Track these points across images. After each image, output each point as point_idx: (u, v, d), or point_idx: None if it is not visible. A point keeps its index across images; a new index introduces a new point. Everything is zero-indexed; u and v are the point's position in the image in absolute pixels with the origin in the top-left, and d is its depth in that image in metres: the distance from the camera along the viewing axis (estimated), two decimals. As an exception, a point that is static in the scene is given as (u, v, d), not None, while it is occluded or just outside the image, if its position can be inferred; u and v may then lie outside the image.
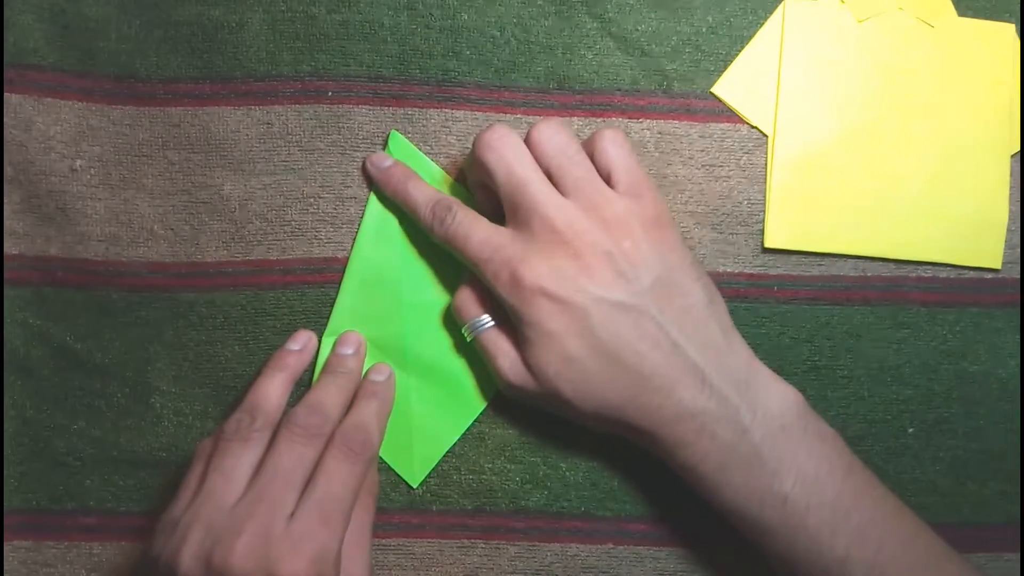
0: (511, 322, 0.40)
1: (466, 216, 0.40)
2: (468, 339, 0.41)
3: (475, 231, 0.39)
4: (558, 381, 0.38)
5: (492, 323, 0.40)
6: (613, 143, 0.40)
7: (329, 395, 0.39)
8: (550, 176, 0.39)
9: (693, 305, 0.38)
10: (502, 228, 0.39)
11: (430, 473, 0.43)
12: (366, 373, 0.42)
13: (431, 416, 0.43)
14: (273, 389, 0.39)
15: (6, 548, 0.42)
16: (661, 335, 0.38)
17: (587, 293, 0.37)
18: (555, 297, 0.37)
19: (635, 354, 0.37)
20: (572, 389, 0.38)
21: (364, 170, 0.43)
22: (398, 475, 0.43)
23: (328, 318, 0.43)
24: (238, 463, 0.36)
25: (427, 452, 0.43)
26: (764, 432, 0.37)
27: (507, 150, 0.39)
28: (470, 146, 0.43)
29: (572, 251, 0.38)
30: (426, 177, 0.43)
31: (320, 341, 0.42)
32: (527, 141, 0.40)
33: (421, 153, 0.43)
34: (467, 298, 0.41)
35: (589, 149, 0.40)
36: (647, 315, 0.37)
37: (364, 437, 0.38)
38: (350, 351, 0.42)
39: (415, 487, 0.43)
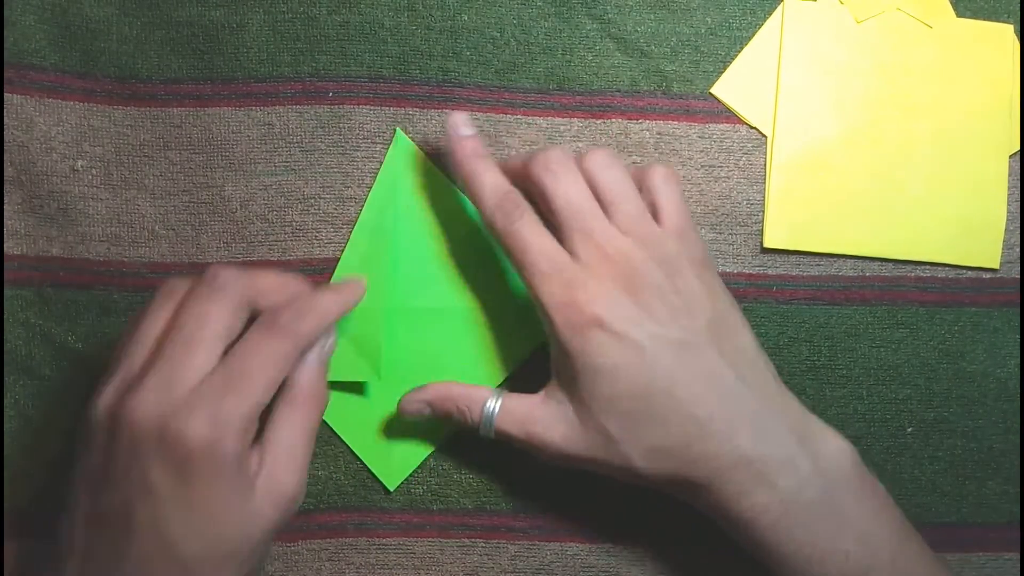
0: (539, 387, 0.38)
1: (534, 221, 0.38)
2: (491, 435, 0.39)
3: (539, 240, 0.38)
4: (606, 419, 0.36)
5: (501, 397, 0.39)
6: (665, 181, 0.39)
7: (316, 299, 0.37)
8: (601, 207, 0.38)
9: (746, 347, 0.37)
10: (563, 248, 0.38)
11: (407, 478, 0.43)
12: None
13: (411, 421, 0.42)
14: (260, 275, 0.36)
15: (6, 548, 0.42)
16: (718, 376, 0.36)
17: (643, 328, 0.36)
18: (611, 330, 0.36)
19: (691, 395, 0.36)
20: (620, 429, 0.36)
21: (447, 128, 0.41)
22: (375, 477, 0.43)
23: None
24: (152, 324, 0.35)
25: (406, 457, 0.43)
26: (824, 483, 0.35)
27: (567, 174, 0.38)
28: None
29: (630, 286, 0.36)
30: (427, 180, 0.43)
31: None
32: (581, 168, 0.39)
33: (423, 154, 0.43)
34: (464, 392, 0.39)
35: (638, 182, 0.39)
36: (704, 354, 0.36)
37: (293, 316, 0.35)
38: (352, 281, 0.39)
39: (391, 491, 0.43)
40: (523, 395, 0.39)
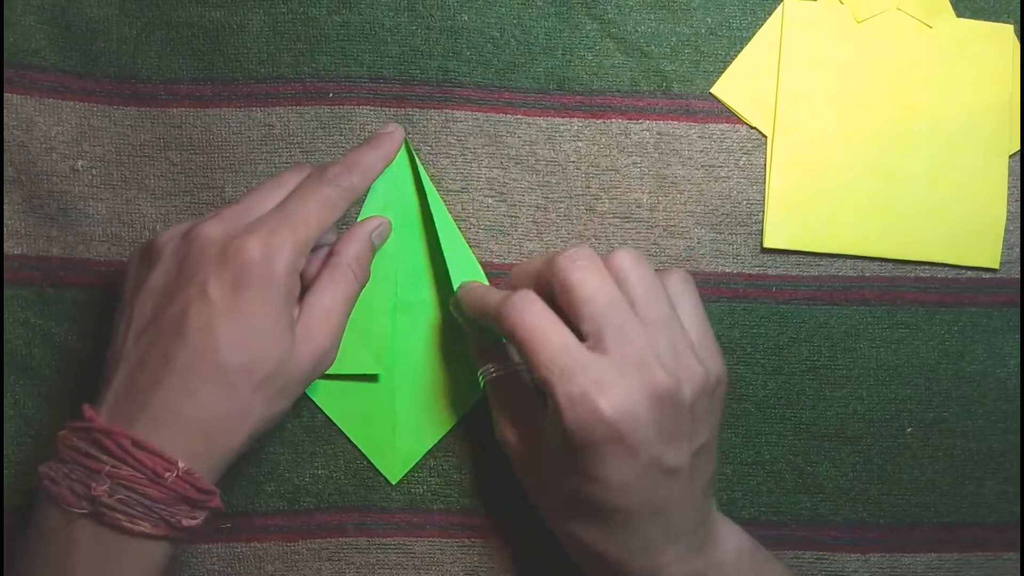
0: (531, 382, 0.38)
1: (548, 311, 0.36)
2: (481, 383, 0.40)
3: (556, 332, 0.35)
4: (561, 502, 0.37)
5: (502, 372, 0.39)
6: (684, 286, 0.38)
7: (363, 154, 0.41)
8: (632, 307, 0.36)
9: (712, 473, 0.37)
10: (581, 343, 0.35)
11: (409, 471, 0.43)
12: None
13: (415, 415, 0.43)
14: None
15: (7, 547, 0.42)
16: (679, 502, 0.35)
17: (651, 449, 0.34)
18: (625, 442, 0.34)
19: (649, 524, 0.35)
20: (567, 514, 0.37)
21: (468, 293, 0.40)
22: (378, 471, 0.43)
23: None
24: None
25: (409, 451, 0.43)
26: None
27: (597, 269, 0.36)
28: (470, 147, 0.43)
29: (654, 396, 0.34)
30: (422, 176, 0.43)
31: None
32: (609, 268, 0.36)
33: (417, 159, 0.43)
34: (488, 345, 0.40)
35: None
36: (678, 483, 0.35)
37: (341, 170, 0.39)
38: (389, 129, 0.43)
39: (394, 483, 0.43)
40: (525, 395, 0.39)
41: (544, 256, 0.38)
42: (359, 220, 0.43)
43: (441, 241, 0.42)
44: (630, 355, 0.34)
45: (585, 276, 0.35)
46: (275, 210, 0.38)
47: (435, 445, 0.43)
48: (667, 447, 0.34)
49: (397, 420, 0.43)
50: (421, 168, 0.43)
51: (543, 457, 0.37)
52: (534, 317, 0.35)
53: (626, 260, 0.36)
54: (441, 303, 0.43)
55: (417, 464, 0.43)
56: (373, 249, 0.41)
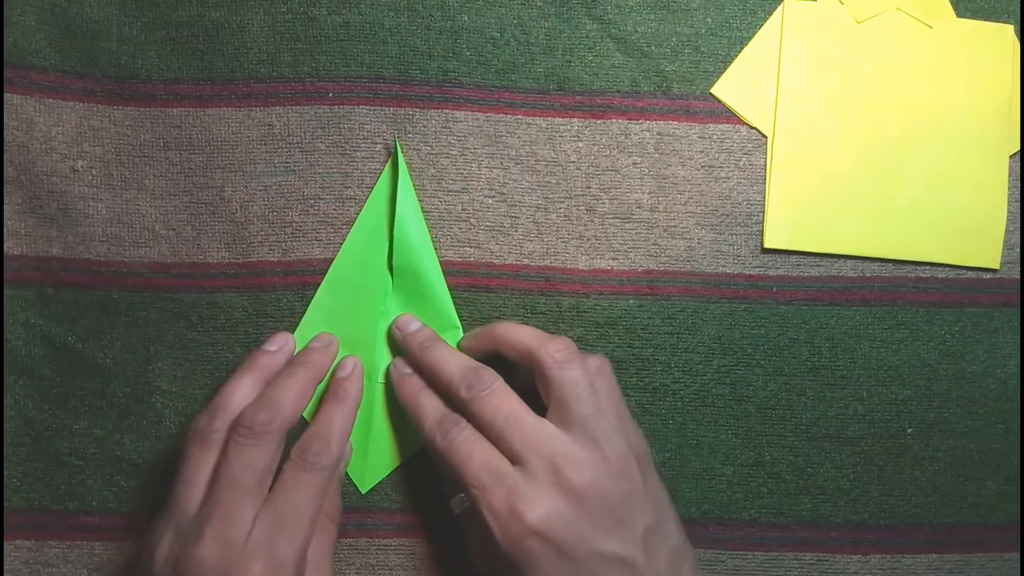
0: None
1: (472, 434, 0.38)
2: (456, 511, 0.39)
3: (479, 451, 0.37)
4: None
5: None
6: (599, 373, 0.39)
7: (283, 389, 0.38)
8: (548, 402, 0.38)
9: (673, 550, 0.37)
10: (504, 457, 0.37)
11: (379, 483, 0.43)
12: (332, 370, 0.41)
13: (391, 428, 0.43)
14: (239, 389, 0.38)
15: (8, 548, 0.42)
16: None
17: (584, 544, 0.35)
18: (552, 543, 0.35)
19: None
20: None
21: (393, 366, 0.42)
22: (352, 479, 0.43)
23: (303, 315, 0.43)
24: (197, 467, 0.37)
25: (380, 462, 0.43)
26: None
27: (500, 389, 0.38)
28: (470, 147, 0.43)
29: (576, 494, 0.36)
30: (385, 198, 0.43)
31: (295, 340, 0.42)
32: (532, 357, 0.38)
33: (408, 176, 0.43)
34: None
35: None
36: (634, 568, 0.36)
37: (320, 447, 0.38)
38: (317, 345, 0.41)
39: (363, 493, 0.43)
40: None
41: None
42: (355, 225, 0.43)
43: (423, 272, 0.43)
44: (543, 461, 0.36)
45: (483, 399, 0.38)
46: (268, 517, 0.36)
47: (403, 462, 0.43)
48: (604, 536, 0.35)
49: (372, 431, 0.42)
50: (404, 177, 0.43)
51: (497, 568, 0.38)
52: (463, 442, 0.38)
53: (556, 348, 0.38)
54: (429, 323, 0.43)
55: (387, 473, 0.43)
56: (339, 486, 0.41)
